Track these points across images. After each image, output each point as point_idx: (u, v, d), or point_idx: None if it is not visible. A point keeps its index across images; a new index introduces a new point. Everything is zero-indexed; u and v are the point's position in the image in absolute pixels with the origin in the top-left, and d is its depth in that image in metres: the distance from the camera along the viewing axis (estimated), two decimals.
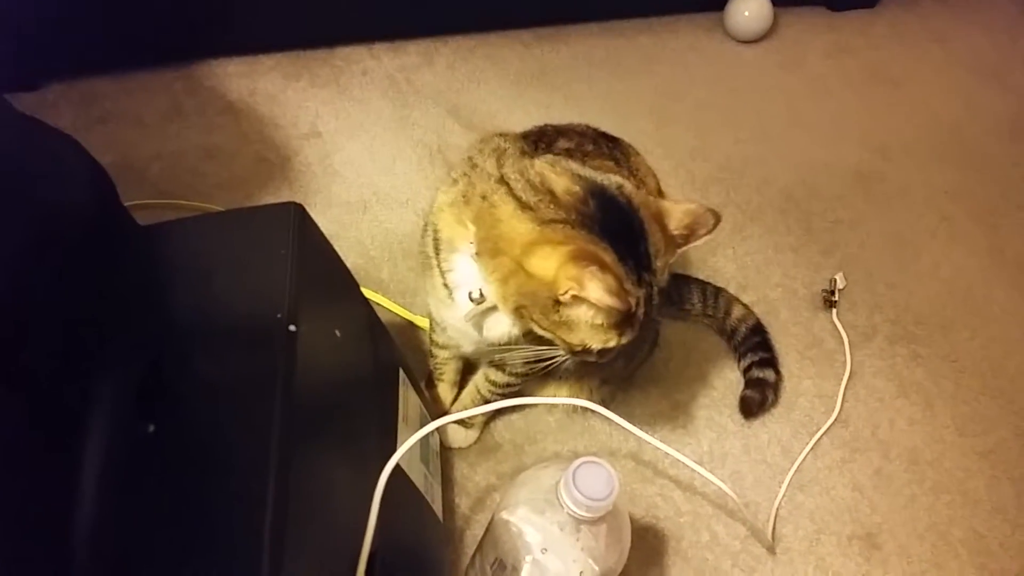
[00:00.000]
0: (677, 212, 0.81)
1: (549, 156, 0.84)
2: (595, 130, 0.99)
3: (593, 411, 0.92)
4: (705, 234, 0.81)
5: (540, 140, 0.92)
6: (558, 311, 0.76)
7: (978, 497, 1.12)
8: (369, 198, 1.36)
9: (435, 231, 0.86)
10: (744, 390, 1.17)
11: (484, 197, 0.79)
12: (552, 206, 0.75)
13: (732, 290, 1.26)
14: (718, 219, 0.82)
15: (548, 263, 0.74)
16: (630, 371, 1.12)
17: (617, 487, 0.73)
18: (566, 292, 0.73)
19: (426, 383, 1.09)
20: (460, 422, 1.05)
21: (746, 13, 1.73)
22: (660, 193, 0.96)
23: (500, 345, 0.89)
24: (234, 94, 1.49)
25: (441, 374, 1.08)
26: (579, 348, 0.80)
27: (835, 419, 1.17)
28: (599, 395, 1.06)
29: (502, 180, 0.79)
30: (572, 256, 0.73)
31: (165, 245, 0.75)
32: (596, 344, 0.79)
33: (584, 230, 0.74)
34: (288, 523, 0.54)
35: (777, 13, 1.77)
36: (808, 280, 1.34)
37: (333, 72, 1.57)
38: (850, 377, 1.22)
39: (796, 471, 1.11)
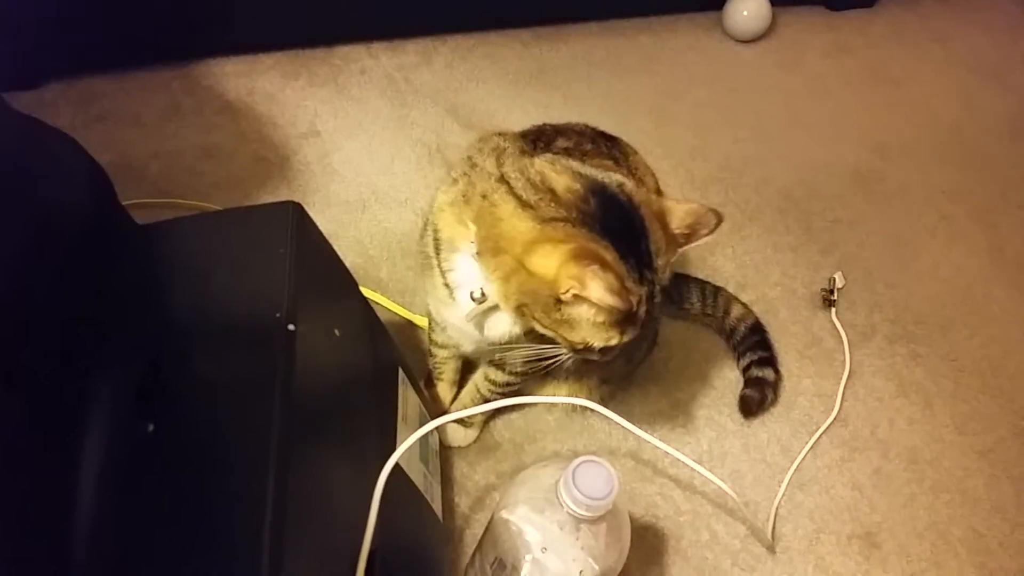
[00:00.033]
0: (679, 211, 0.81)
1: (549, 155, 0.83)
2: (594, 129, 0.99)
3: (592, 410, 0.92)
4: (707, 234, 0.81)
5: (539, 139, 0.92)
6: (559, 309, 0.76)
7: (977, 496, 1.12)
8: (368, 197, 1.36)
9: (435, 231, 0.86)
10: (743, 389, 1.17)
11: (484, 196, 0.79)
12: (553, 204, 0.75)
13: (731, 289, 1.26)
14: (720, 220, 0.82)
15: (549, 262, 0.74)
16: (629, 370, 1.12)
17: (617, 486, 0.73)
18: (567, 291, 0.73)
19: (425, 382, 1.09)
20: (459, 421, 1.05)
21: (745, 13, 1.73)
22: (659, 192, 0.96)
23: (501, 344, 0.89)
24: (232, 93, 1.49)
25: (440, 373, 1.08)
26: (581, 346, 0.79)
27: (834, 418, 1.17)
28: (598, 394, 1.06)
29: (502, 179, 0.79)
30: (573, 255, 0.72)
31: (163, 244, 0.75)
32: (598, 342, 0.79)
33: (585, 228, 0.74)
34: (288, 522, 0.54)
35: (776, 12, 1.77)
36: (807, 279, 1.34)
37: (332, 71, 1.57)
38: (849, 376, 1.22)
39: (795, 470, 1.11)
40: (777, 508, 1.07)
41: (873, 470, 1.13)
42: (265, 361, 0.62)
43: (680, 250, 0.81)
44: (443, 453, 1.04)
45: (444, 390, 1.09)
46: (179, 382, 0.64)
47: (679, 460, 0.95)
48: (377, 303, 1.20)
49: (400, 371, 0.90)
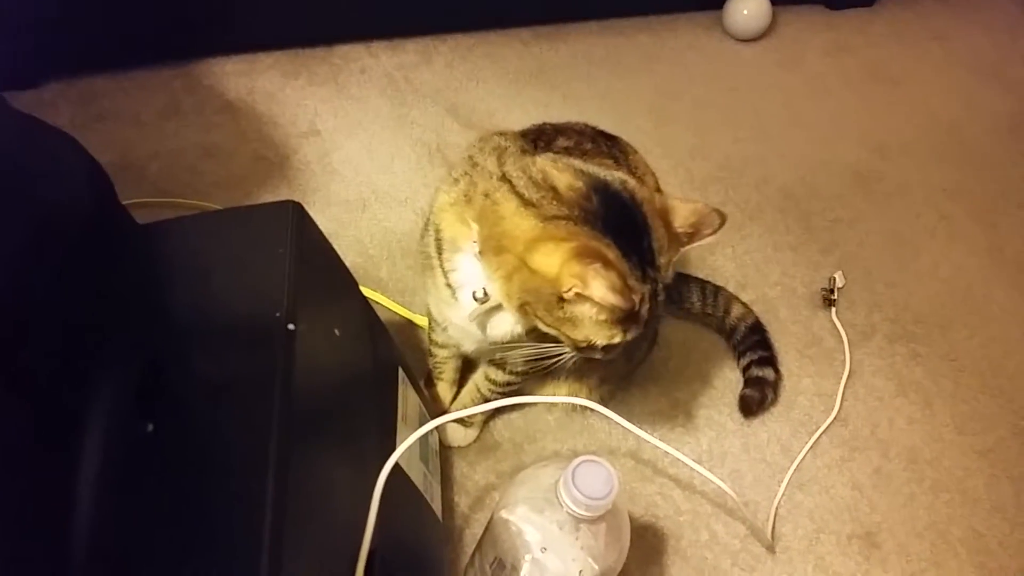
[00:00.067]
0: (683, 210, 0.81)
1: (550, 153, 0.83)
2: (593, 128, 0.99)
3: (592, 410, 0.92)
4: (710, 234, 0.81)
5: (539, 139, 0.92)
6: (562, 308, 0.76)
7: (977, 496, 1.12)
8: (368, 196, 1.36)
9: (437, 231, 0.86)
10: (743, 389, 1.17)
11: (486, 195, 0.79)
12: (555, 202, 0.75)
13: (731, 289, 1.26)
14: (723, 220, 0.81)
15: (551, 260, 0.73)
16: (629, 370, 1.12)
17: (616, 486, 0.73)
18: (569, 289, 0.73)
19: (425, 382, 1.08)
20: (459, 421, 1.05)
21: (745, 12, 1.73)
22: (659, 192, 0.96)
23: (504, 343, 0.89)
24: (232, 92, 1.49)
25: (440, 373, 1.07)
26: (584, 344, 0.79)
27: (834, 418, 1.17)
28: (598, 394, 1.06)
29: (504, 178, 0.79)
30: (575, 253, 0.72)
31: (163, 244, 0.75)
32: (601, 340, 0.78)
33: (587, 226, 0.74)
34: (287, 522, 0.54)
35: (776, 12, 1.77)
36: (807, 279, 1.34)
37: (331, 70, 1.56)
38: (849, 376, 1.22)
39: (795, 470, 1.11)
40: (777, 508, 1.07)
41: (873, 470, 1.13)
42: (265, 361, 0.62)
43: (683, 249, 0.81)
44: (443, 453, 1.04)
45: (444, 390, 1.09)
46: (179, 382, 0.64)
47: (679, 460, 0.95)
48: (377, 302, 1.20)
49: (400, 371, 0.90)
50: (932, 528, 1.08)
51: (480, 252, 0.79)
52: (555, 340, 0.82)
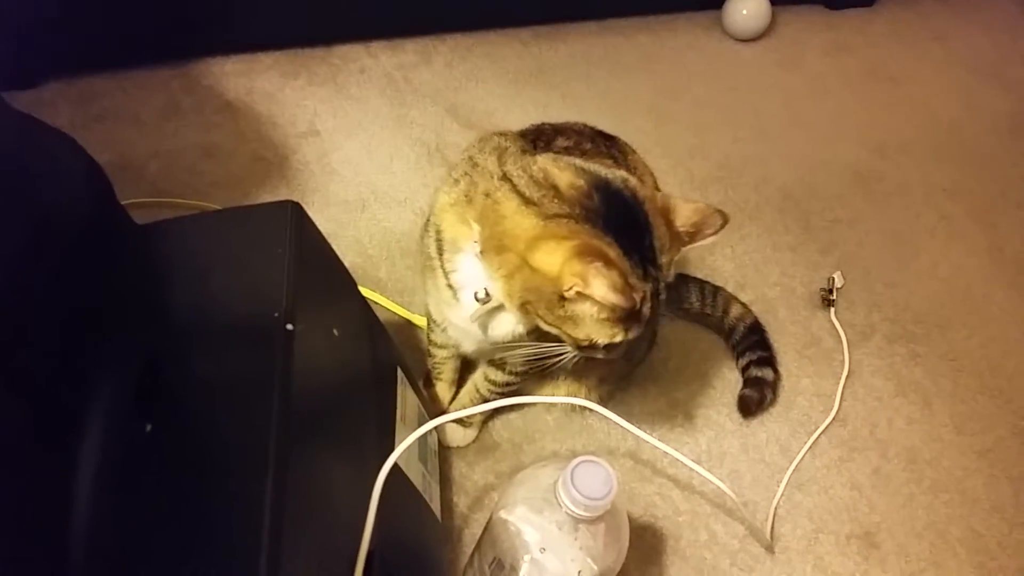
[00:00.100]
0: (685, 209, 0.81)
1: (550, 153, 0.83)
2: (592, 128, 0.98)
3: (591, 410, 0.92)
4: (711, 234, 0.81)
5: (538, 139, 0.92)
6: (563, 306, 0.76)
7: (976, 496, 1.12)
8: (367, 197, 1.36)
9: (438, 232, 0.85)
10: (742, 389, 1.16)
11: (487, 195, 0.78)
12: (556, 201, 0.75)
13: (730, 289, 1.26)
14: (725, 221, 0.81)
15: (552, 258, 0.73)
16: (628, 370, 1.12)
17: (615, 486, 0.73)
18: (570, 288, 0.73)
19: (424, 382, 1.08)
20: (458, 421, 1.05)
21: (744, 11, 1.73)
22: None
23: (505, 343, 0.89)
24: (232, 92, 1.49)
25: (439, 373, 1.07)
26: (585, 344, 0.79)
27: (833, 418, 1.17)
28: (597, 394, 1.06)
29: (505, 177, 0.79)
30: (576, 251, 0.72)
31: (162, 244, 0.75)
32: (602, 339, 0.78)
33: (588, 224, 0.74)
34: (286, 522, 0.54)
35: (775, 11, 1.77)
36: (806, 279, 1.34)
37: (331, 70, 1.56)
38: (848, 376, 1.22)
39: (794, 470, 1.11)
40: (776, 508, 1.07)
41: (872, 470, 1.13)
42: (264, 361, 0.62)
43: (684, 249, 0.81)
44: (442, 453, 1.04)
45: (443, 390, 1.09)
46: (178, 382, 0.64)
47: (678, 460, 0.95)
48: (376, 303, 1.20)
49: (399, 371, 0.90)
50: (931, 528, 1.08)
51: (481, 252, 0.79)
52: (557, 340, 0.82)
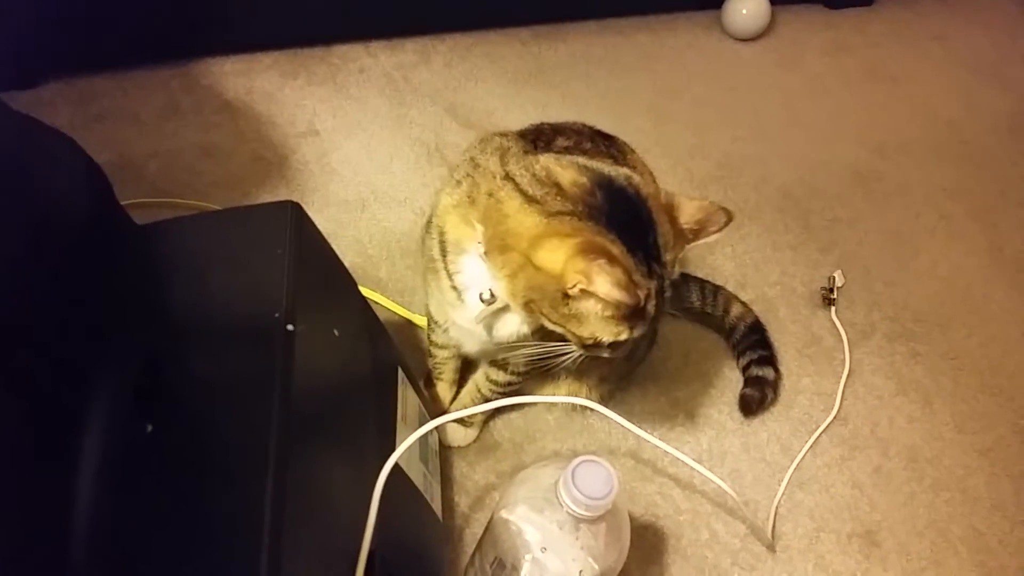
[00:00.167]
0: (689, 207, 0.81)
1: (552, 153, 0.83)
2: (591, 128, 0.98)
3: (592, 409, 0.92)
4: (715, 231, 0.81)
5: (538, 139, 0.92)
6: (567, 304, 0.75)
7: (977, 494, 1.12)
8: (367, 196, 1.36)
9: (441, 233, 0.85)
10: (743, 388, 1.16)
11: (490, 194, 0.78)
12: (559, 198, 0.75)
13: (731, 288, 1.26)
14: (730, 218, 0.81)
15: (556, 256, 0.73)
16: (629, 369, 1.12)
17: (616, 486, 0.73)
18: (574, 286, 0.73)
19: (425, 382, 1.08)
20: (459, 421, 1.05)
21: (744, 11, 1.73)
22: None
23: (509, 344, 0.89)
24: (231, 92, 1.49)
25: (440, 373, 1.07)
26: (590, 342, 0.79)
27: (834, 417, 1.17)
28: (598, 393, 1.06)
29: (507, 177, 0.78)
30: (580, 249, 0.72)
31: (162, 244, 0.75)
32: (607, 337, 0.78)
33: (591, 221, 0.73)
34: (286, 523, 0.54)
35: (775, 11, 1.77)
36: (807, 278, 1.34)
37: (330, 70, 1.56)
38: (849, 375, 1.22)
39: (795, 469, 1.11)
40: (777, 507, 1.07)
41: (873, 468, 1.13)
42: (264, 361, 0.62)
43: (688, 246, 0.81)
44: (443, 453, 1.04)
45: (444, 390, 1.08)
46: (178, 382, 0.64)
47: (679, 459, 0.95)
48: (376, 303, 1.19)
49: (399, 371, 0.90)
50: (932, 527, 1.08)
51: (485, 252, 0.79)
52: (561, 339, 0.82)
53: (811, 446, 1.13)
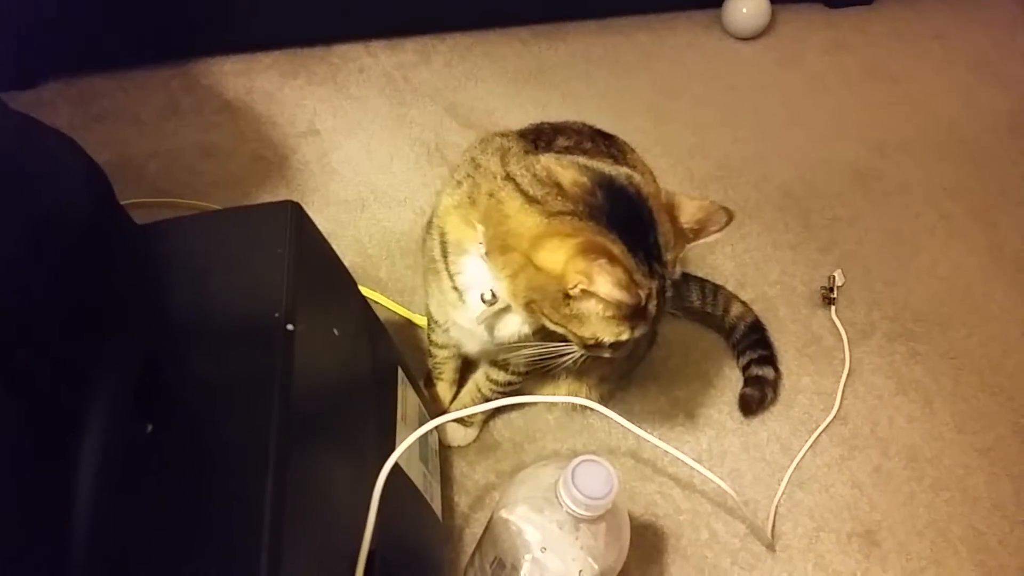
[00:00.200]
0: (690, 207, 0.81)
1: (553, 153, 0.83)
2: (591, 127, 0.98)
3: (592, 409, 0.92)
4: (716, 231, 0.81)
5: (538, 138, 0.92)
6: (568, 305, 0.75)
7: (977, 494, 1.12)
8: (367, 196, 1.36)
9: (442, 234, 0.85)
10: (743, 388, 1.16)
11: (491, 195, 0.78)
12: (560, 198, 0.75)
13: (730, 287, 1.26)
14: (731, 218, 0.81)
15: (556, 256, 0.73)
16: (629, 368, 1.12)
17: (616, 485, 0.73)
18: (575, 286, 0.73)
19: (425, 382, 1.08)
20: (459, 420, 1.05)
21: (744, 10, 1.73)
22: None
23: (510, 344, 0.89)
24: (231, 92, 1.49)
25: (440, 373, 1.07)
26: (591, 342, 0.79)
27: (834, 416, 1.17)
28: (597, 393, 1.06)
29: (508, 177, 0.78)
30: (580, 249, 0.72)
31: (162, 244, 0.75)
32: (608, 337, 0.78)
33: (592, 221, 0.73)
34: (286, 522, 0.54)
35: (775, 10, 1.77)
36: (807, 277, 1.34)
37: (330, 70, 1.56)
38: (849, 374, 1.22)
39: (795, 468, 1.11)
40: (777, 506, 1.07)
41: (873, 468, 1.13)
42: (264, 361, 0.62)
43: (689, 245, 0.81)
44: (443, 452, 1.04)
45: (444, 389, 1.08)
46: (178, 382, 0.64)
47: (679, 459, 0.95)
48: (376, 302, 1.19)
49: (399, 370, 0.90)
50: (932, 526, 1.08)
51: (486, 253, 0.79)
52: (562, 339, 0.82)
53: (811, 446, 1.13)
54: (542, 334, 0.84)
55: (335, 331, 0.75)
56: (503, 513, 0.78)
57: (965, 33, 1.89)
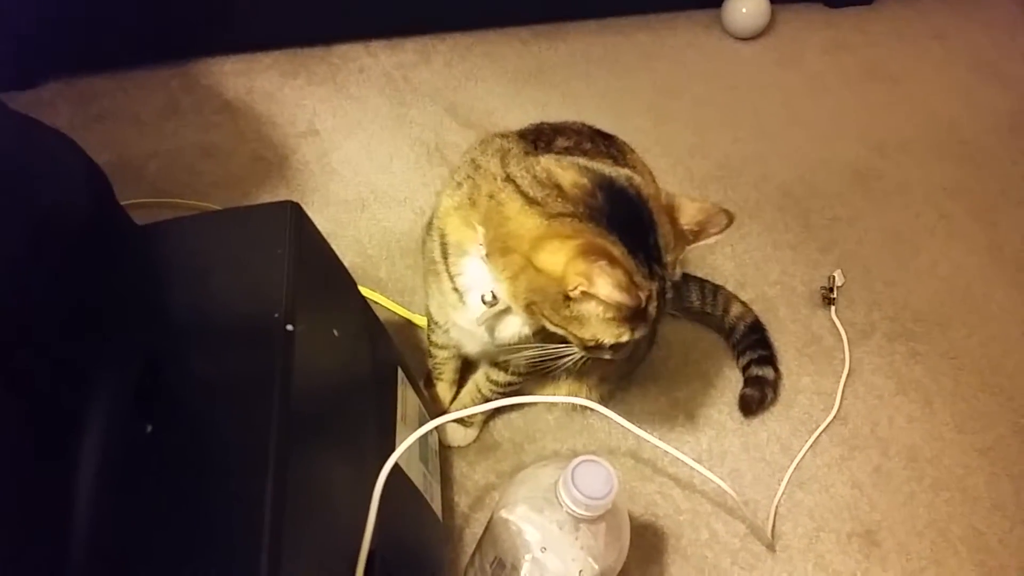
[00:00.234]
0: (690, 208, 0.81)
1: (552, 155, 0.83)
2: (591, 128, 0.98)
3: (592, 409, 0.92)
4: (716, 233, 0.81)
5: (538, 139, 0.92)
6: (568, 306, 0.75)
7: (977, 494, 1.12)
8: (367, 196, 1.36)
9: (442, 236, 0.85)
10: (743, 388, 1.16)
11: (491, 196, 0.78)
12: (560, 200, 0.75)
13: (730, 287, 1.26)
14: (731, 220, 0.81)
15: (556, 258, 0.73)
16: (629, 369, 1.12)
17: (616, 485, 0.73)
18: (575, 287, 0.73)
19: (425, 382, 1.08)
20: (459, 421, 1.05)
21: (744, 10, 1.73)
22: None
23: (510, 345, 0.89)
24: (231, 92, 1.49)
25: (440, 373, 1.07)
26: (592, 344, 0.79)
27: (834, 416, 1.17)
28: (597, 393, 1.06)
29: (508, 178, 0.78)
30: (580, 251, 0.72)
31: (162, 244, 0.75)
32: (608, 339, 0.78)
33: (592, 223, 0.73)
34: (286, 523, 0.54)
35: (775, 10, 1.77)
36: (806, 277, 1.34)
37: (330, 70, 1.56)
38: (849, 374, 1.22)
39: (795, 469, 1.11)
40: (777, 506, 1.07)
41: (873, 468, 1.13)
42: (264, 361, 0.62)
43: (689, 247, 0.81)
44: (443, 453, 1.04)
45: (444, 390, 1.08)
46: (178, 382, 0.64)
47: (679, 459, 0.95)
48: (376, 302, 1.19)
49: (399, 371, 0.90)
50: (932, 526, 1.08)
51: (487, 254, 0.79)
52: (563, 340, 0.82)
53: (811, 446, 1.13)
54: (542, 335, 0.84)
55: (335, 331, 0.75)
56: (503, 513, 0.78)
57: (965, 33, 1.89)
